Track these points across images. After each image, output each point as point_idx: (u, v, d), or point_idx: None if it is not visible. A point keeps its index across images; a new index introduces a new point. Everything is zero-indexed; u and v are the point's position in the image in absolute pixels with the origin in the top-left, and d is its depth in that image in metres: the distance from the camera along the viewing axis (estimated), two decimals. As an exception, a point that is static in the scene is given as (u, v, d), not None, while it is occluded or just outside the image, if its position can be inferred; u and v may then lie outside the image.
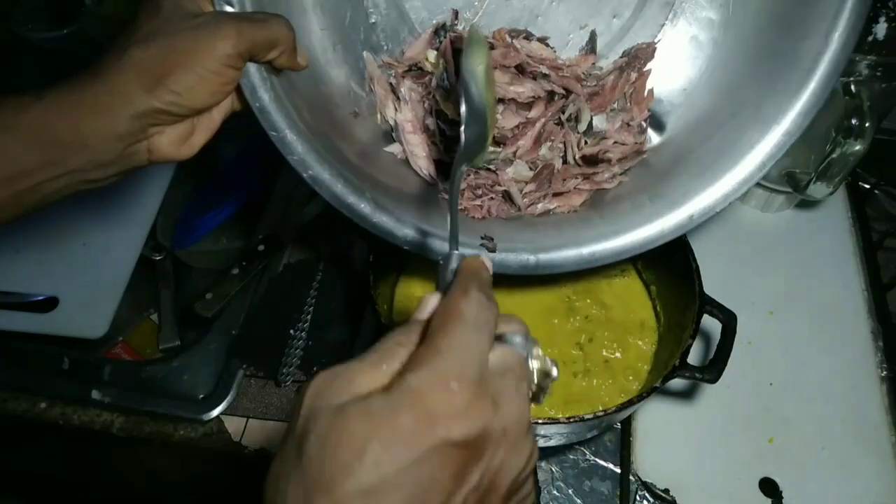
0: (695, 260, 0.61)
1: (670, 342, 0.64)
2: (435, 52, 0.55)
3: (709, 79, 0.58)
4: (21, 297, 0.87)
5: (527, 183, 0.56)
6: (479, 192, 0.56)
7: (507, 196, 0.56)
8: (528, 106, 0.55)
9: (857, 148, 0.67)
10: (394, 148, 0.56)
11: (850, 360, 0.76)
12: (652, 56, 0.58)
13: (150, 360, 0.87)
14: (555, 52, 0.57)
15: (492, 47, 0.55)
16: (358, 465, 0.26)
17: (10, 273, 0.89)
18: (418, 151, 0.55)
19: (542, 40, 0.57)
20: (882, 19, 0.70)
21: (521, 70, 0.55)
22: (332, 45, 0.53)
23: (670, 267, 0.65)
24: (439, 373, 0.28)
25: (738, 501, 0.67)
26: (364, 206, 0.51)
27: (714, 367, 0.57)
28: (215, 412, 0.74)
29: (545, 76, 0.55)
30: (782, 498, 0.67)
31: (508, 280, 0.70)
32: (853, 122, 0.66)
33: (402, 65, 0.56)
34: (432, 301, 0.34)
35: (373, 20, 0.55)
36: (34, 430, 0.78)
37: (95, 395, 0.75)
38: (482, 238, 0.53)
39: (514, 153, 0.55)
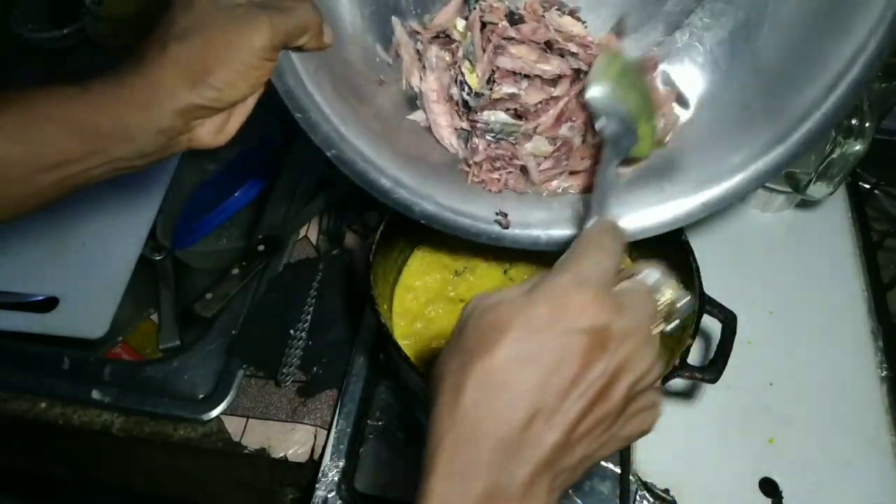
0: (695, 260, 0.61)
1: (670, 342, 0.64)
2: (464, 22, 0.54)
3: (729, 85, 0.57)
4: (21, 297, 0.87)
5: (545, 158, 0.56)
6: (498, 164, 0.56)
7: (524, 170, 0.56)
8: (553, 82, 0.55)
9: (857, 148, 0.67)
10: (417, 116, 0.56)
11: (850, 360, 0.76)
12: (655, 68, 0.57)
13: (150, 360, 0.87)
14: (586, 26, 0.56)
15: (521, 20, 0.54)
16: (503, 341, 0.33)
17: (10, 273, 0.89)
18: (441, 121, 0.55)
19: (574, 13, 0.56)
20: (882, 19, 0.70)
21: (549, 46, 0.54)
22: (360, 13, 0.53)
23: (670, 267, 0.64)
24: (572, 275, 0.35)
25: (738, 501, 0.67)
26: (384, 182, 0.53)
27: (714, 367, 0.57)
28: (215, 412, 0.74)
29: (573, 54, 0.54)
30: (782, 498, 0.67)
31: (511, 280, 0.70)
32: (853, 122, 0.66)
33: (430, 31, 0.55)
34: None
35: None
36: (34, 430, 0.78)
37: (95, 395, 0.75)
38: (496, 214, 0.55)
39: (535, 129, 0.54)
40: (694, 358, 0.57)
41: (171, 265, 0.99)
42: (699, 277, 0.60)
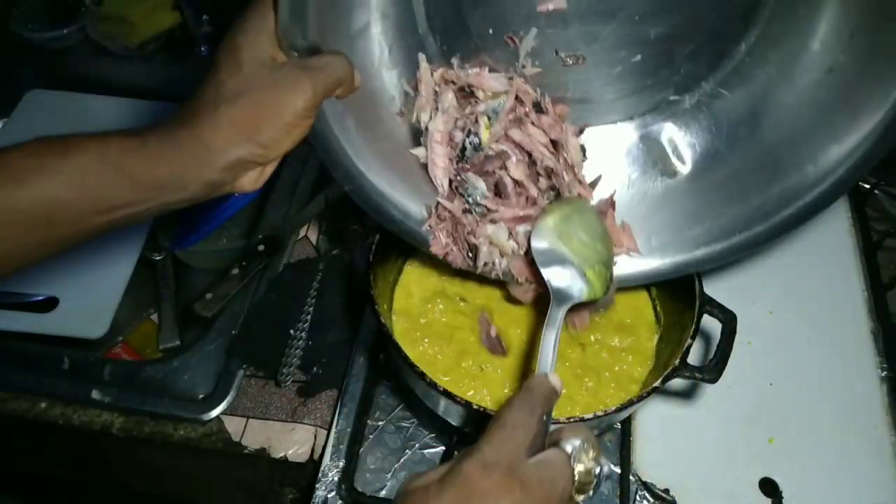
0: (695, 260, 0.61)
1: (670, 342, 0.64)
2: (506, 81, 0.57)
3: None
4: (21, 297, 0.87)
5: (503, 256, 0.59)
6: (457, 233, 0.58)
7: (473, 253, 0.58)
8: (541, 177, 0.58)
9: (858, 148, 0.67)
10: (418, 151, 0.58)
11: (850, 360, 0.76)
12: (612, 207, 0.60)
13: (150, 360, 0.87)
14: (585, 160, 0.59)
15: (545, 112, 0.57)
16: None
17: (10, 273, 0.89)
18: (439, 161, 0.57)
19: (583, 147, 0.59)
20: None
21: (555, 145, 0.57)
22: (388, 48, 0.55)
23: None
24: (477, 460, 0.38)
25: (738, 501, 0.67)
26: (396, 214, 0.57)
27: (714, 367, 0.57)
28: (215, 412, 0.74)
29: (570, 167, 0.57)
30: (782, 498, 0.67)
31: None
32: (853, 122, 0.66)
33: (458, 79, 0.57)
34: None
35: (433, 25, 0.56)
36: (34, 430, 0.78)
37: (95, 395, 0.75)
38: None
39: (496, 211, 0.57)
40: (694, 358, 0.57)
41: (171, 265, 0.99)
42: (699, 278, 0.61)
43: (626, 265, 0.60)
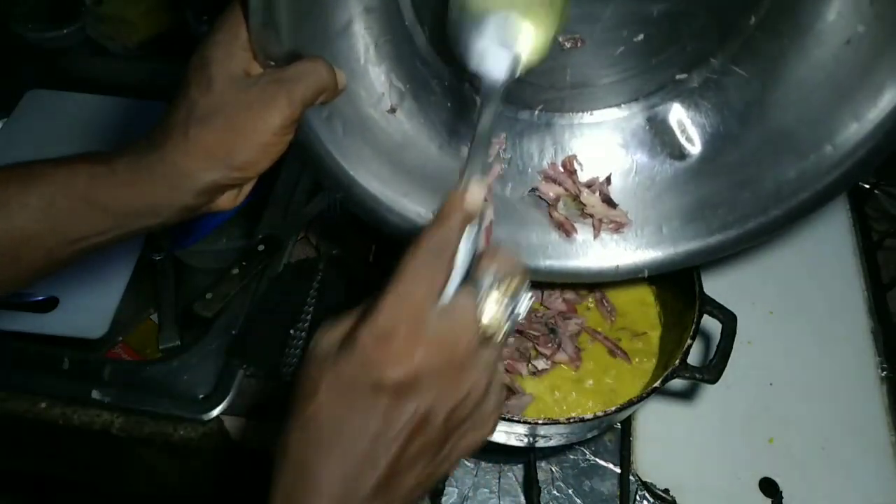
0: (695, 260, 0.61)
1: (670, 342, 0.64)
2: None
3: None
4: (21, 297, 0.87)
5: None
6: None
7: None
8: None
9: (858, 148, 0.67)
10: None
11: (850, 360, 0.76)
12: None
13: (150, 360, 0.87)
14: (615, 207, 0.59)
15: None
16: (310, 403, 0.34)
17: (10, 273, 0.89)
18: None
19: (607, 198, 0.58)
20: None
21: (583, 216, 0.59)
22: (373, 44, 0.53)
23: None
24: (372, 329, 0.34)
25: (738, 501, 0.67)
26: (392, 218, 0.56)
27: (714, 368, 0.57)
28: (215, 412, 0.74)
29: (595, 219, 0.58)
30: (782, 498, 0.67)
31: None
32: (853, 122, 0.66)
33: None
34: None
35: (420, 16, 0.53)
36: (34, 430, 0.78)
37: (95, 395, 0.75)
38: None
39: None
40: (694, 358, 0.57)
41: (171, 265, 0.98)
42: (699, 278, 0.61)
43: (638, 255, 0.59)
